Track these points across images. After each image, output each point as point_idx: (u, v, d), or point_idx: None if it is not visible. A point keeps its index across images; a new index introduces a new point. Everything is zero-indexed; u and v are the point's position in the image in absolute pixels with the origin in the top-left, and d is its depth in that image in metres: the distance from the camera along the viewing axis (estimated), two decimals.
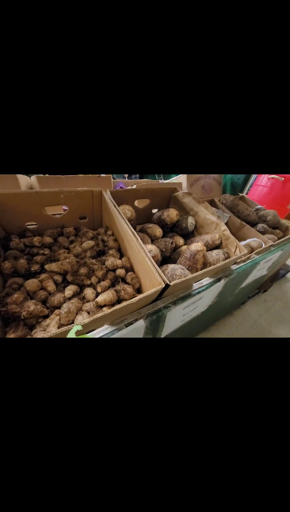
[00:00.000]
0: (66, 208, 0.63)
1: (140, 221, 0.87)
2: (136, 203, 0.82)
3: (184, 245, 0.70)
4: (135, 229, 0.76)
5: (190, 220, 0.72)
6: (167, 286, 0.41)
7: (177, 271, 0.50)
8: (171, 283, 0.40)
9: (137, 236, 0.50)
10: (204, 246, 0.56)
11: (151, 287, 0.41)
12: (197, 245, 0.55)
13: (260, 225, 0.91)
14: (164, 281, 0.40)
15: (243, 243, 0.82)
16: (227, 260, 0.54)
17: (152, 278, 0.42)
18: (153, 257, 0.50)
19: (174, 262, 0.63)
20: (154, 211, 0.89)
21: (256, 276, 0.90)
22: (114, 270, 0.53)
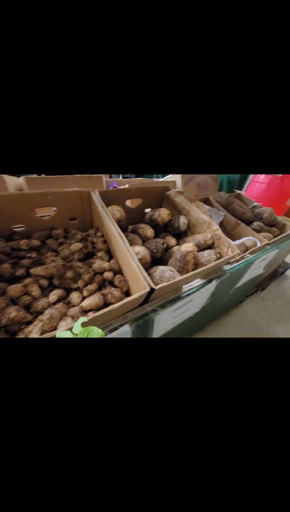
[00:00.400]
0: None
1: (132, 221, 0.86)
2: (128, 203, 0.81)
3: (176, 245, 0.69)
4: (126, 229, 0.75)
5: (182, 220, 0.70)
6: (153, 289, 0.39)
7: (166, 273, 0.49)
8: (156, 287, 0.39)
9: (124, 238, 0.48)
10: (195, 246, 0.54)
11: (138, 291, 0.40)
12: (187, 246, 0.54)
13: (255, 223, 0.89)
14: (149, 284, 0.39)
15: (237, 242, 0.81)
16: (217, 261, 0.53)
17: (138, 282, 0.41)
18: (141, 259, 0.49)
19: (166, 263, 0.62)
20: (147, 210, 0.88)
21: (252, 275, 0.89)
22: (102, 273, 0.52)
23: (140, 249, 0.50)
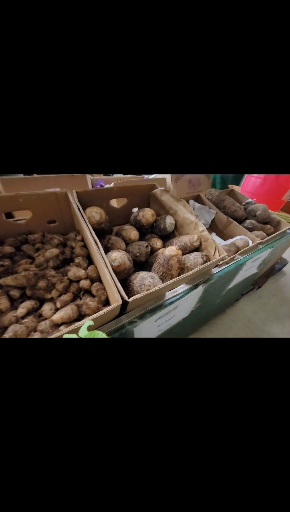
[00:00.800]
0: None
1: (119, 222, 0.82)
2: (114, 202, 0.77)
3: (162, 247, 0.65)
4: (111, 232, 0.71)
5: (169, 220, 0.66)
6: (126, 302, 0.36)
7: (146, 280, 0.46)
8: (130, 299, 0.35)
9: (99, 244, 0.44)
10: (180, 249, 0.51)
11: (114, 301, 0.37)
12: (170, 250, 0.50)
13: (248, 221, 0.85)
14: (122, 297, 0.35)
15: (228, 242, 0.77)
16: (202, 266, 0.49)
17: (110, 293, 0.37)
18: (118, 266, 0.45)
19: (152, 267, 0.59)
20: (135, 210, 0.83)
21: (245, 276, 0.85)
22: (78, 281, 0.48)
23: (118, 255, 0.46)
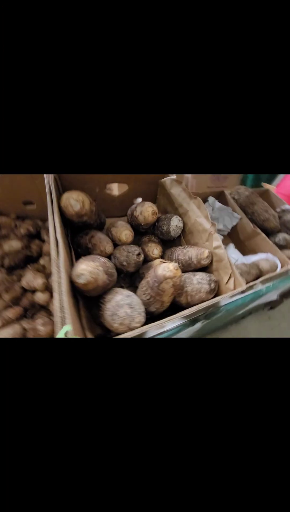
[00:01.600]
0: None
1: (117, 213, 0.67)
2: (111, 189, 0.61)
3: (159, 257, 0.50)
4: (100, 227, 0.57)
5: (175, 223, 0.50)
6: None
7: (121, 310, 0.32)
8: None
9: (60, 247, 0.31)
10: (179, 269, 0.36)
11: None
12: (165, 268, 0.35)
13: (281, 236, 0.66)
14: None
15: (249, 259, 0.60)
16: (209, 302, 0.34)
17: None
18: (84, 284, 0.32)
19: (142, 279, 0.45)
20: (138, 201, 0.67)
21: (259, 302, 0.69)
22: (35, 292, 0.36)
23: (87, 269, 0.32)
